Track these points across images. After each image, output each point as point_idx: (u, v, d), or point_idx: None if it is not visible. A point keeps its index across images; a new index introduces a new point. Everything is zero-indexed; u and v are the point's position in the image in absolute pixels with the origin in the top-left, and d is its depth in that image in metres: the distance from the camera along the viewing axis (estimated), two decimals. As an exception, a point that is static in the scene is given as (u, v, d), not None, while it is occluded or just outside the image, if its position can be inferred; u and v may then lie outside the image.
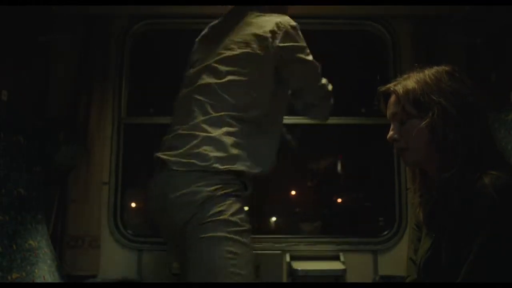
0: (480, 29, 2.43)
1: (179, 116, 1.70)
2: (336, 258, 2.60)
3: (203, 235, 1.48)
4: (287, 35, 1.70)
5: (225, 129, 1.57)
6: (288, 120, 2.89)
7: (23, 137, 2.28)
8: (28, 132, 2.33)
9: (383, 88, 1.35)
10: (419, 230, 1.40)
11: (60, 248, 2.45)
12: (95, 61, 2.59)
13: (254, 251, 2.56)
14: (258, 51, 1.66)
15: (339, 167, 3.91)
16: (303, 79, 1.83)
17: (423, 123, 1.23)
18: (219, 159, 1.53)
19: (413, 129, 1.25)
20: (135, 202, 3.26)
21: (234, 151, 1.56)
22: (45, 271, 2.13)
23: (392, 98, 1.31)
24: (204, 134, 1.56)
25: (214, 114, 1.59)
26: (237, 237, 1.50)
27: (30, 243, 2.12)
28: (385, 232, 2.69)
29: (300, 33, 1.76)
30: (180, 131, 1.63)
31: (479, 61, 2.56)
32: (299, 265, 2.52)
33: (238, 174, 1.58)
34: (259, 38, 1.67)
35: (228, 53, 1.68)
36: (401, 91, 1.27)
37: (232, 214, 1.51)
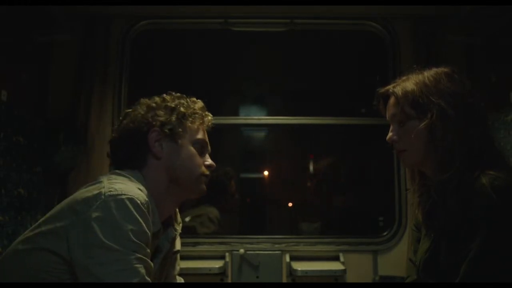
0: (480, 29, 2.43)
1: None
2: (336, 258, 2.60)
3: None
4: None
5: None
6: (289, 120, 2.93)
7: (23, 137, 2.29)
8: (28, 132, 2.34)
9: (382, 90, 1.35)
10: (418, 231, 1.40)
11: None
12: (95, 61, 2.59)
13: (254, 251, 2.60)
14: None
15: (339, 167, 3.92)
16: None
17: (422, 124, 1.23)
18: None
19: (412, 131, 1.25)
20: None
21: None
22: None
23: (391, 99, 1.31)
24: None
25: None
26: None
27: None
28: (385, 232, 2.69)
29: None
30: None
31: (479, 61, 2.55)
32: (299, 265, 2.52)
33: None
34: None
35: None
36: (400, 92, 1.27)
37: None
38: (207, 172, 1.39)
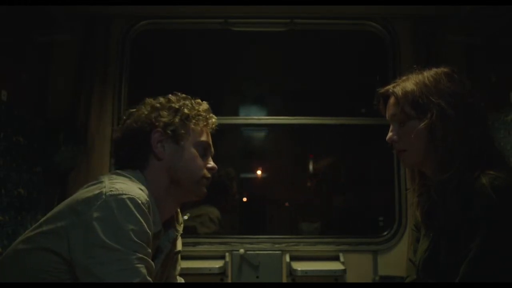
0: (480, 29, 2.43)
1: None
2: (336, 258, 2.60)
3: None
4: None
5: None
6: (289, 120, 2.93)
7: (23, 137, 2.29)
8: (28, 132, 2.34)
9: (382, 90, 1.35)
10: (418, 231, 1.40)
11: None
12: (95, 61, 2.59)
13: (254, 251, 2.60)
14: None
15: (339, 167, 3.91)
16: None
17: (422, 124, 1.23)
18: None
19: (412, 131, 1.25)
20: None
21: None
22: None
23: (391, 99, 1.31)
24: None
25: None
26: None
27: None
28: (385, 232, 2.69)
29: None
30: None
31: (479, 61, 2.55)
32: (299, 265, 2.52)
33: None
34: None
35: None
36: (400, 93, 1.27)
37: None
38: (209, 175, 1.38)
